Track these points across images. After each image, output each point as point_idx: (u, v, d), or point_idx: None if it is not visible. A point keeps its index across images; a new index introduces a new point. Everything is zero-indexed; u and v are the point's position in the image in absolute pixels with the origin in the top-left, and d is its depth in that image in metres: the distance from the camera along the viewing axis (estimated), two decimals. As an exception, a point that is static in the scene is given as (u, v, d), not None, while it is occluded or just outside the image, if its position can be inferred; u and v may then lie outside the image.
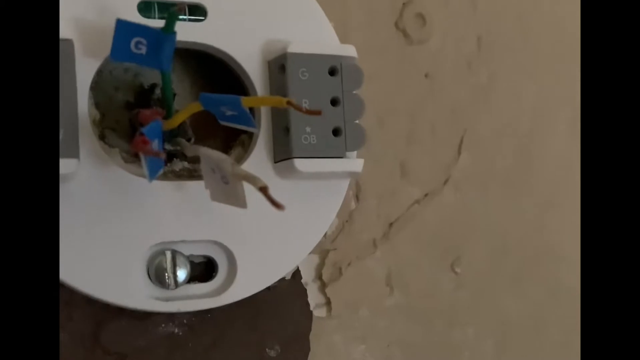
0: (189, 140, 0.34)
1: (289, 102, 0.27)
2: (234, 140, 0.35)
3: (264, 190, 0.26)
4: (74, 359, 0.31)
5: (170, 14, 0.27)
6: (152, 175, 0.28)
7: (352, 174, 0.35)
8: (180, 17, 0.32)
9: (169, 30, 0.28)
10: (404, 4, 0.39)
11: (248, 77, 0.33)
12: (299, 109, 0.27)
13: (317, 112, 0.28)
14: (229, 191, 0.28)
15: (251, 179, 0.26)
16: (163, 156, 0.27)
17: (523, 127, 0.42)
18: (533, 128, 0.42)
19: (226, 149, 0.35)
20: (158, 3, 0.32)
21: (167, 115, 0.32)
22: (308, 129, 0.33)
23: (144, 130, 0.27)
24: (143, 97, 0.35)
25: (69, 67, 0.29)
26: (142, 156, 0.28)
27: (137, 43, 0.28)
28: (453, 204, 0.40)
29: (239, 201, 0.28)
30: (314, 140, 0.33)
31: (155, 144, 0.28)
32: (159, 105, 0.34)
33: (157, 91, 0.34)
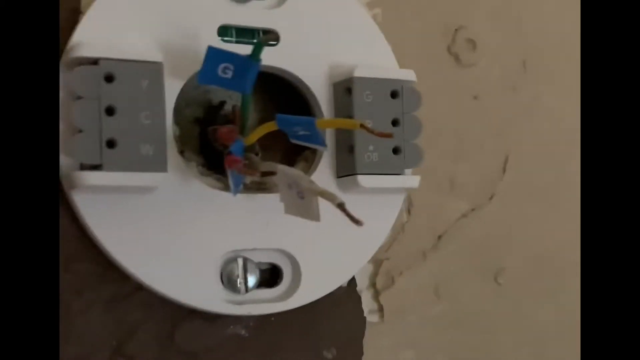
0: (257, 154, 0.36)
1: (362, 125, 0.30)
2: (294, 154, 0.38)
3: (341, 206, 0.28)
4: (151, 356, 0.34)
5: (258, 43, 0.30)
6: (236, 189, 0.31)
7: (408, 189, 0.37)
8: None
9: (255, 57, 0.30)
10: (456, 30, 0.41)
11: (315, 98, 0.36)
12: (371, 131, 0.30)
13: (389, 135, 0.30)
14: (304, 206, 0.30)
15: (328, 195, 0.29)
16: (258, 174, 0.29)
17: (563, 147, 0.44)
18: (570, 147, 0.44)
19: (289, 162, 0.38)
20: (236, 28, 0.34)
21: (242, 132, 0.34)
22: (371, 148, 0.35)
23: (231, 149, 0.29)
24: (212, 113, 0.37)
25: (158, 87, 0.31)
26: (228, 172, 0.30)
27: (225, 68, 0.30)
28: (497, 218, 0.42)
29: (313, 215, 0.30)
30: (375, 158, 0.35)
31: (241, 159, 0.30)
32: (227, 122, 0.36)
33: (226, 107, 0.37)
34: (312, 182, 0.30)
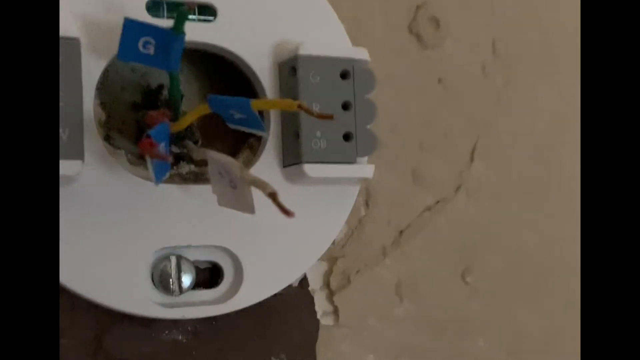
0: (196, 142, 0.33)
1: (299, 106, 0.27)
2: (243, 143, 0.35)
3: (273, 196, 0.25)
4: (77, 364, 0.31)
5: (180, 14, 0.27)
6: (159, 178, 0.28)
7: (362, 180, 0.34)
8: (190, 17, 0.31)
9: (178, 30, 0.27)
10: (417, 6, 0.38)
11: (258, 79, 0.33)
12: (310, 112, 0.27)
13: (329, 117, 0.27)
14: (237, 196, 0.27)
15: (260, 184, 0.26)
16: (170, 159, 0.26)
17: (539, 135, 0.41)
18: (549, 136, 0.41)
19: (234, 152, 0.35)
20: (167, 3, 0.31)
21: (175, 118, 0.31)
22: (318, 134, 0.32)
23: (151, 132, 0.26)
24: (150, 97, 0.34)
25: (74, 66, 0.28)
26: (148, 159, 0.27)
27: (145, 43, 0.27)
28: (465, 212, 0.39)
29: (247, 207, 0.27)
30: (324, 145, 0.32)
31: (162, 147, 0.27)
32: (166, 106, 0.33)
33: (165, 92, 0.34)
34: (243, 169, 0.26)
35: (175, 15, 0.27)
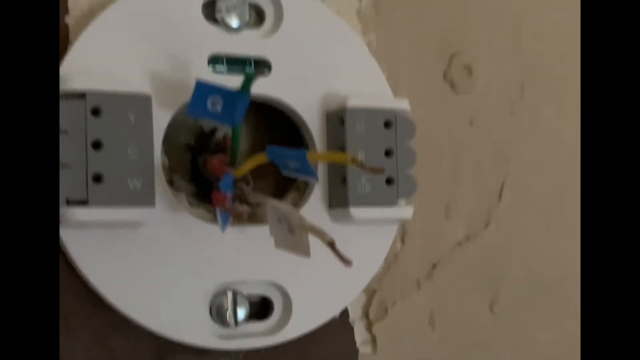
0: (248, 183, 0.36)
1: (353, 160, 0.29)
2: (286, 182, 0.37)
3: (331, 245, 0.27)
4: (138, 391, 0.33)
5: (248, 77, 0.29)
6: (225, 226, 0.30)
7: (402, 221, 0.37)
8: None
9: (245, 91, 0.29)
10: (452, 54, 0.41)
11: (307, 127, 0.35)
12: (362, 167, 0.29)
13: (381, 171, 0.29)
14: (294, 241, 0.30)
15: (318, 232, 0.28)
16: (245, 216, 0.29)
17: (562, 170, 0.44)
18: (572, 170, 0.44)
19: (280, 191, 0.37)
20: (227, 58, 0.34)
21: (232, 164, 0.33)
22: (363, 179, 0.34)
23: (220, 185, 0.29)
24: (203, 140, 0.37)
25: (146, 120, 0.31)
26: (217, 209, 0.30)
27: (214, 101, 0.30)
28: (493, 245, 0.42)
29: (304, 251, 0.30)
30: (368, 190, 0.35)
31: (229, 195, 0.30)
32: (219, 149, 0.36)
33: (217, 134, 0.36)
34: (302, 218, 0.29)
35: (243, 78, 0.29)
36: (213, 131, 0.37)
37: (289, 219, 0.30)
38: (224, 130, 0.36)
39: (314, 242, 0.29)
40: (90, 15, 0.32)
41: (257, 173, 0.36)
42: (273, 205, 0.30)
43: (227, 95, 0.30)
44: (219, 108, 0.30)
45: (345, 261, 0.27)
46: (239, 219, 0.28)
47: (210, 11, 0.34)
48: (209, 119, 0.31)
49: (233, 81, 0.32)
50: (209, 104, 0.30)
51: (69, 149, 0.29)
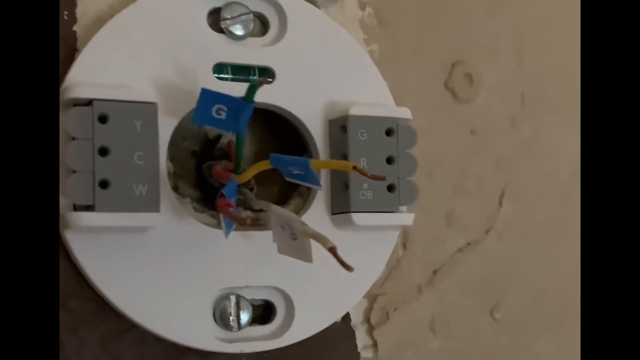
0: (251, 189, 0.36)
1: (355, 167, 0.30)
2: (290, 188, 0.38)
3: (333, 251, 0.28)
4: (143, 394, 0.34)
5: (252, 86, 0.30)
6: (229, 232, 0.31)
7: (403, 227, 0.37)
8: (252, 78, 0.35)
9: (249, 99, 0.30)
10: (452, 64, 0.41)
11: (309, 134, 0.36)
12: (364, 174, 0.30)
13: (382, 178, 0.30)
14: (296, 247, 0.30)
15: (320, 238, 0.29)
16: (249, 222, 0.29)
17: (563, 181, 0.44)
18: (572, 181, 0.44)
19: (283, 197, 0.38)
20: (231, 65, 0.35)
21: (236, 171, 0.34)
22: (365, 186, 0.35)
23: (224, 191, 0.29)
24: (208, 146, 0.37)
25: (152, 127, 0.31)
26: (220, 215, 0.30)
27: (219, 109, 0.30)
28: (494, 252, 0.42)
29: (306, 256, 0.30)
30: (370, 196, 0.35)
31: (233, 202, 0.30)
32: (223, 156, 0.36)
33: (222, 141, 0.37)
34: (304, 224, 0.30)
35: (249, 81, 0.30)
36: (218, 138, 0.37)
37: (292, 225, 0.30)
38: (228, 137, 0.37)
39: (316, 247, 0.29)
40: (97, 23, 0.33)
41: (260, 179, 0.37)
42: (276, 212, 0.31)
43: (231, 103, 0.30)
44: (223, 116, 0.31)
45: (347, 267, 0.27)
46: (243, 225, 0.29)
47: (216, 20, 0.35)
48: (213, 126, 0.31)
49: (238, 89, 0.32)
50: (213, 112, 0.31)
51: (77, 155, 0.30)
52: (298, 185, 0.37)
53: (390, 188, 0.36)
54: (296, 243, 0.31)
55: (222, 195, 0.29)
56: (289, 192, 0.38)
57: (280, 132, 0.38)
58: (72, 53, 0.33)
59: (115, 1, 0.34)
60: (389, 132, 0.36)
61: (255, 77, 0.35)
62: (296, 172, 0.32)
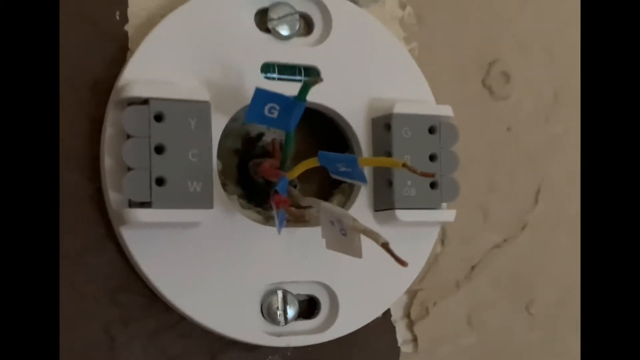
0: (295, 186, 0.37)
1: (404, 165, 0.30)
2: (330, 185, 0.38)
3: (385, 246, 0.28)
4: (191, 385, 0.35)
5: (305, 85, 0.30)
6: (281, 226, 0.32)
7: (444, 223, 0.38)
8: (296, 77, 0.35)
9: (301, 98, 0.31)
10: (490, 63, 0.42)
11: (353, 132, 0.36)
12: (414, 171, 0.30)
13: (431, 175, 0.30)
14: (346, 242, 0.31)
15: (372, 234, 0.29)
16: (307, 218, 0.30)
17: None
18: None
19: (325, 193, 0.38)
20: (278, 65, 0.35)
21: (282, 167, 0.35)
22: (409, 183, 0.36)
23: (277, 188, 0.30)
24: (250, 144, 0.38)
25: (206, 126, 0.32)
26: (275, 211, 0.31)
27: (271, 108, 0.31)
28: (529, 248, 0.43)
29: (356, 252, 0.31)
30: (413, 193, 0.36)
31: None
32: (264, 153, 0.37)
33: (264, 139, 0.38)
34: (355, 220, 0.30)
35: (296, 80, 0.31)
36: (259, 136, 0.38)
37: (342, 221, 0.31)
38: (270, 135, 0.37)
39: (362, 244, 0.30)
40: (148, 24, 0.34)
41: (301, 176, 0.37)
42: (326, 208, 0.32)
43: (284, 102, 0.31)
44: (275, 114, 0.31)
45: (401, 262, 0.28)
46: (301, 221, 0.29)
47: (263, 21, 0.35)
48: (265, 125, 0.32)
49: (284, 88, 0.33)
50: (266, 111, 0.31)
51: (133, 153, 0.30)
52: (339, 183, 0.38)
53: (433, 185, 0.36)
54: (346, 239, 0.31)
55: (277, 192, 0.30)
56: (330, 189, 0.38)
57: (324, 129, 0.38)
58: (124, 52, 0.33)
59: (165, 2, 0.34)
60: (431, 130, 0.36)
61: (300, 77, 0.36)
62: (343, 169, 0.32)
